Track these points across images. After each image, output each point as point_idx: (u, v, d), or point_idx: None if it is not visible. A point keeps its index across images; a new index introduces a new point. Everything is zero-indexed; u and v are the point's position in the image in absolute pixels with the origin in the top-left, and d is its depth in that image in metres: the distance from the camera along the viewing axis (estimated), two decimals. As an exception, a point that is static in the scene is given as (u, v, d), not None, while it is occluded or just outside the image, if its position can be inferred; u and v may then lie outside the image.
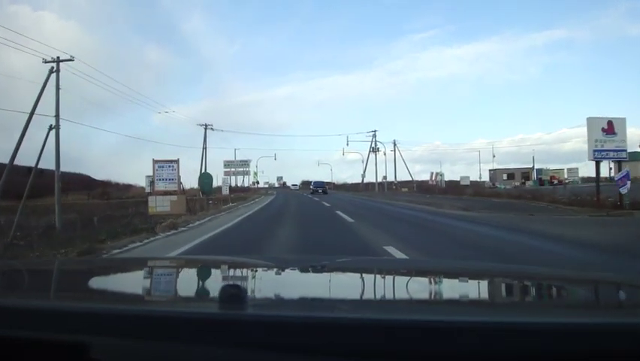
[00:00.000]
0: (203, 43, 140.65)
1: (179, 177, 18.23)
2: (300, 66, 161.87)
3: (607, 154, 17.53)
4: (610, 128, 17.52)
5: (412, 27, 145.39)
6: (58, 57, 22.38)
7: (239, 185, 63.62)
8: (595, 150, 17.30)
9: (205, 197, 25.13)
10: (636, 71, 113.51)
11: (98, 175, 61.53)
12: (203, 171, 42.62)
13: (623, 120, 17.89)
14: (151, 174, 18.75)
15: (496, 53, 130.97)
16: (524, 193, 26.42)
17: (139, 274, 1.81)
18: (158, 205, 17.81)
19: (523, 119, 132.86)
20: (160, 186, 18.18)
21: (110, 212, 24.02)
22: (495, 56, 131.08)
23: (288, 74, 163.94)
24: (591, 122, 17.61)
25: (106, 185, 59.89)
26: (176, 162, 18.34)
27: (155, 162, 18.23)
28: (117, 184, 63.15)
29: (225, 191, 29.25)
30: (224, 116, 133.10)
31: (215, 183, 34.15)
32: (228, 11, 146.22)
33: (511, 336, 0.79)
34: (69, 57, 22.30)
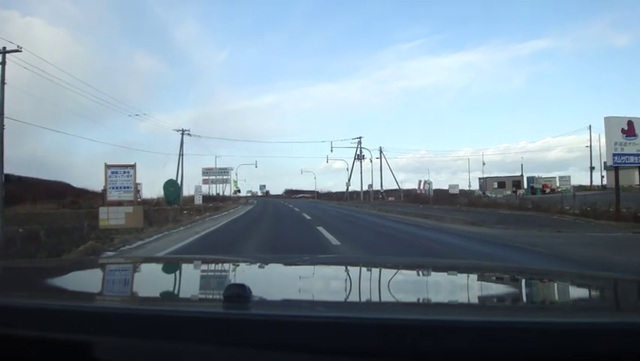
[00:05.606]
0: (190, 51, 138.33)
1: (135, 185, 15.59)
2: (287, 75, 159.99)
3: (627, 159, 15.31)
4: (630, 129, 15.31)
5: (398, 37, 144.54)
6: (4, 47, 19.80)
7: (220, 194, 61.06)
8: (615, 154, 15.04)
9: (178, 207, 22.66)
10: (621, 81, 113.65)
11: (81, 183, 58.59)
12: (180, 179, 40.08)
13: (644, 121, 15.70)
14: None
15: (481, 62, 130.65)
16: (525, 203, 24.12)
17: (139, 273, 1.75)
18: (111, 218, 15.13)
19: (508, 128, 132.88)
20: (113, 195, 15.42)
21: (73, 223, 21.95)
22: (481, 66, 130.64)
23: (274, 83, 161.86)
24: (609, 122, 15.32)
25: (81, 193, 57.56)
26: (133, 167, 15.57)
27: (107, 167, 15.43)
28: (93, 192, 60.50)
29: (198, 200, 26.61)
30: (210, 124, 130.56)
31: (192, 192, 31.62)
32: (215, 21, 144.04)
33: (507, 336, 0.77)
34: (16, 47, 19.73)
